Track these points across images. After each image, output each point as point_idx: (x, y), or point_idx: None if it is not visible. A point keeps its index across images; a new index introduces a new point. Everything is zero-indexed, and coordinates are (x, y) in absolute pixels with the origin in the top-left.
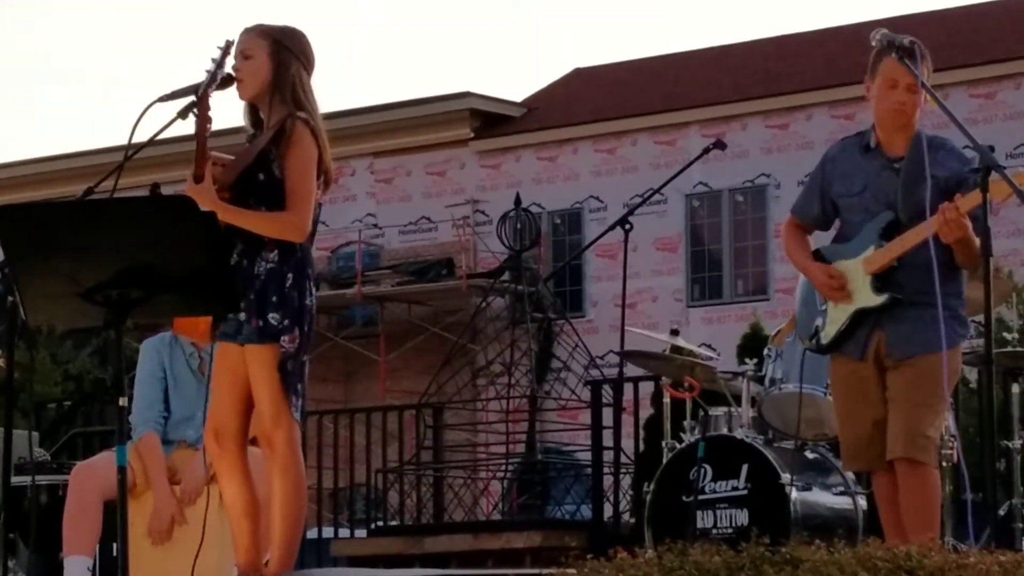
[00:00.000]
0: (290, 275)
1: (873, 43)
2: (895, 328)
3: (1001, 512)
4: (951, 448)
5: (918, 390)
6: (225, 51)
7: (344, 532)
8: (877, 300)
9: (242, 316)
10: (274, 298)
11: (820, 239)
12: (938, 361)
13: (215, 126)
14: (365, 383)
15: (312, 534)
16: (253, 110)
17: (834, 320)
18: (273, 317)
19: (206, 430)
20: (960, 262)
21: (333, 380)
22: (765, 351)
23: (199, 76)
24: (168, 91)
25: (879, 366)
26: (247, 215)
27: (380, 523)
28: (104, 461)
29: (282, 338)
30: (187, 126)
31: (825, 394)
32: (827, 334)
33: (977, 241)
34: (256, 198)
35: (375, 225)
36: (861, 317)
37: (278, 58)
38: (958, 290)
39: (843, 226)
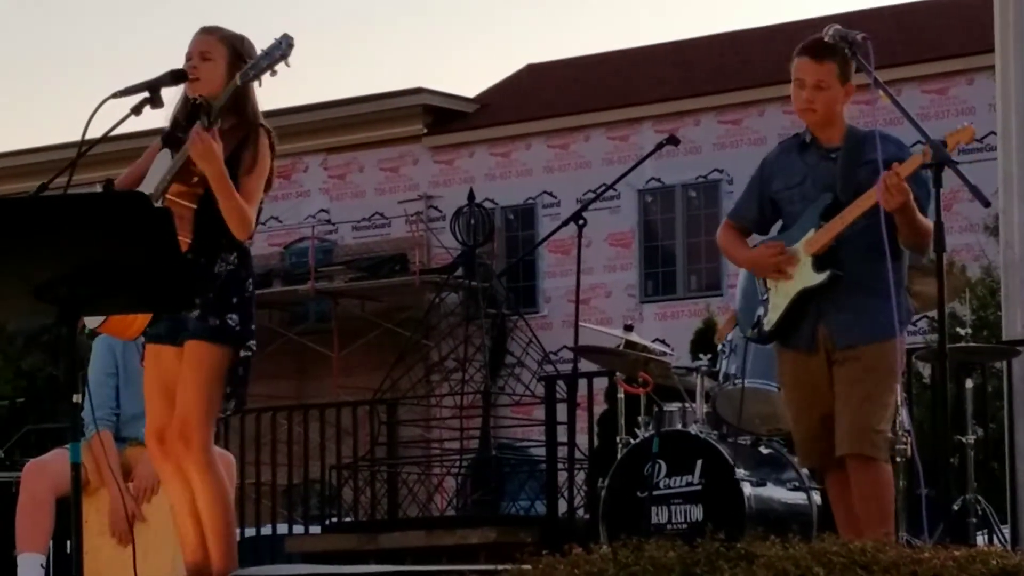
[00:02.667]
0: (248, 281)
1: (826, 39)
2: (837, 317)
3: (955, 507)
4: (905, 443)
5: (863, 383)
6: (285, 49)
7: (298, 528)
8: (818, 278)
9: (195, 313)
10: (235, 299)
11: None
12: (883, 351)
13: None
14: (318, 379)
15: (266, 530)
16: (189, 110)
17: (776, 306)
18: (232, 318)
19: (147, 434)
20: (904, 239)
21: (286, 376)
22: (719, 346)
23: (153, 72)
24: (122, 87)
25: (828, 360)
26: (231, 191)
27: (334, 519)
28: (56, 458)
29: (248, 342)
30: (141, 122)
31: (779, 389)
32: (769, 320)
33: (923, 220)
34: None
35: (328, 221)
36: (804, 302)
37: (235, 67)
38: (898, 278)
39: (784, 220)
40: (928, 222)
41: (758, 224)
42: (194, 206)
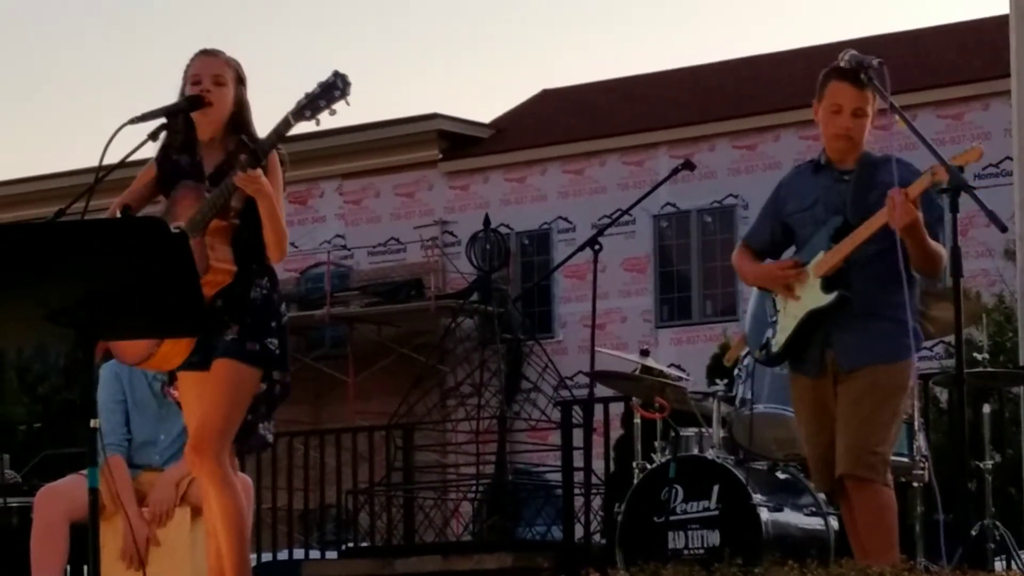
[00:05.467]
0: (282, 304)
1: (842, 64)
2: (842, 339)
3: (973, 532)
4: (923, 468)
5: (862, 405)
6: (343, 87)
7: (315, 554)
8: (826, 299)
9: (230, 337)
10: (273, 324)
11: None
12: (887, 373)
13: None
14: (334, 404)
15: (283, 555)
16: (188, 133)
17: (784, 328)
18: (272, 343)
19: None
20: (914, 263)
21: (302, 401)
22: (736, 371)
23: (169, 99)
24: (139, 113)
25: (835, 383)
26: (280, 217)
27: (351, 544)
28: (70, 483)
29: (288, 368)
30: (157, 148)
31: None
32: (777, 342)
33: (933, 244)
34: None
35: (344, 246)
36: (811, 325)
37: (239, 93)
38: (907, 301)
39: (796, 243)
40: (938, 247)
41: (771, 248)
42: (230, 237)
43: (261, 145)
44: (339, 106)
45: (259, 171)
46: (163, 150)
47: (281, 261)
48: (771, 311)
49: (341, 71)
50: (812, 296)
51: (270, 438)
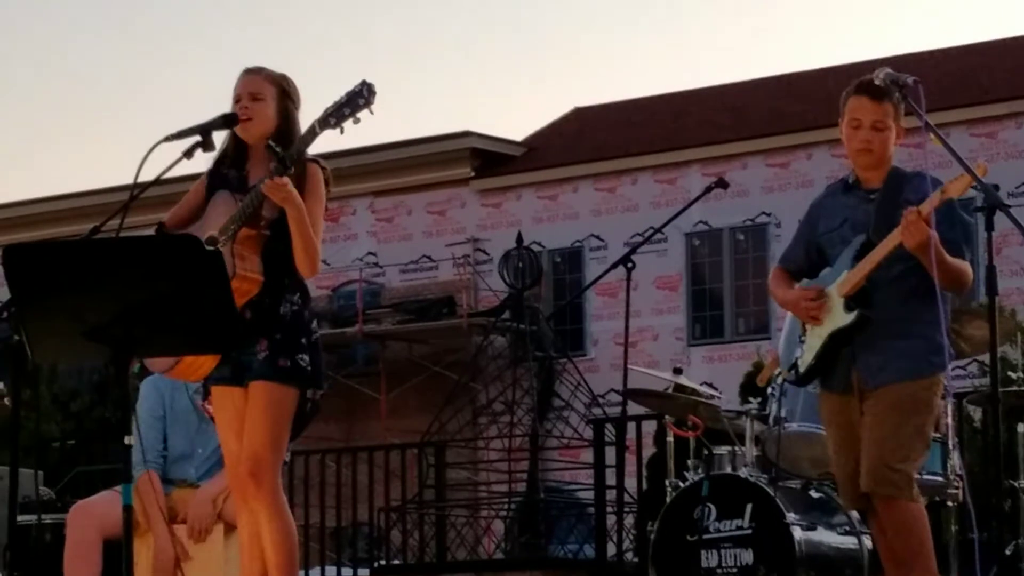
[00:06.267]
0: (314, 321)
1: (877, 82)
2: (868, 359)
3: (1007, 551)
4: (957, 487)
5: (885, 422)
6: (368, 96)
7: (347, 571)
8: (847, 319)
9: (262, 354)
10: (303, 340)
11: None
12: (911, 389)
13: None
14: (366, 421)
15: (315, 573)
16: (237, 148)
17: (811, 347)
18: (303, 359)
19: (233, 479)
20: (938, 281)
21: (334, 419)
22: (769, 390)
23: (205, 116)
24: (174, 131)
25: (862, 401)
26: (310, 230)
27: (383, 562)
28: (103, 500)
29: (325, 385)
30: (192, 165)
31: None
32: (804, 361)
33: (951, 262)
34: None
35: (376, 264)
36: (836, 344)
37: (284, 106)
38: (936, 319)
39: (828, 263)
40: (959, 264)
41: (804, 268)
42: (261, 248)
43: (289, 153)
44: (373, 122)
45: (286, 179)
46: (216, 164)
47: (312, 277)
48: (800, 331)
49: (369, 81)
50: (835, 316)
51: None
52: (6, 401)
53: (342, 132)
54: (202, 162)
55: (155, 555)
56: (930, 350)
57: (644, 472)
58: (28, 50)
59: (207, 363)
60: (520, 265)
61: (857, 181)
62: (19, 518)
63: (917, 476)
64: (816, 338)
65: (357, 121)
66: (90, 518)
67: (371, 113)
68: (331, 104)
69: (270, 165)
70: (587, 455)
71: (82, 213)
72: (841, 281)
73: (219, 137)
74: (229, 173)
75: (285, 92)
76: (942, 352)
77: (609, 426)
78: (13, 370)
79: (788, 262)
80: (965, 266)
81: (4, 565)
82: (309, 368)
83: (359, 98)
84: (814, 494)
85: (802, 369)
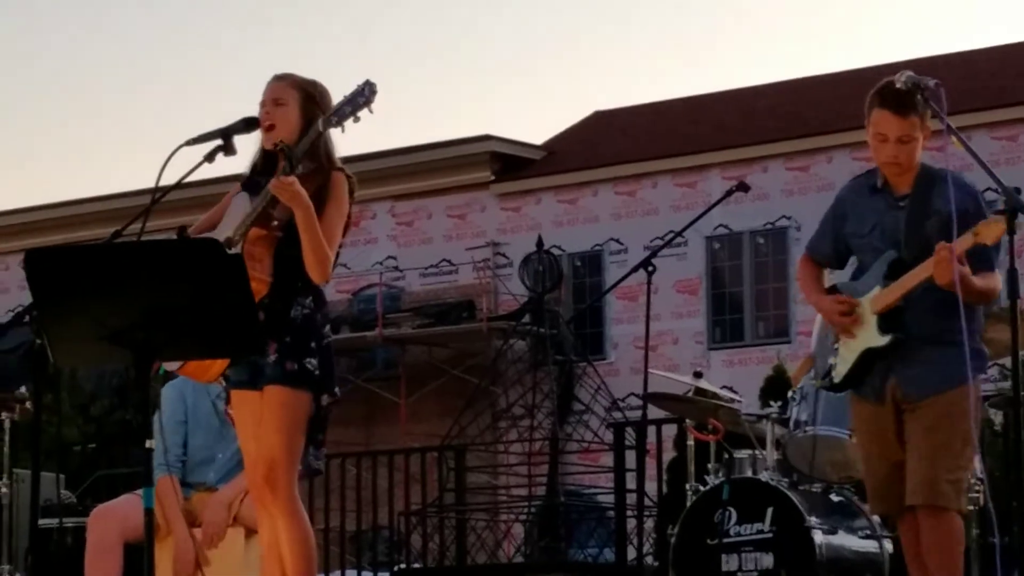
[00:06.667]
0: (326, 326)
1: (898, 85)
2: (906, 371)
3: None
4: (978, 491)
5: (935, 435)
6: (368, 95)
7: (367, 575)
8: (882, 341)
9: (271, 358)
10: (312, 344)
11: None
12: (955, 398)
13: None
14: (386, 425)
15: None
16: (267, 156)
17: (845, 359)
18: (311, 363)
19: (252, 483)
20: (969, 301)
21: (354, 423)
22: (790, 394)
23: (227, 119)
24: (195, 135)
25: (897, 409)
26: (318, 233)
27: (403, 566)
28: (124, 503)
29: (333, 388)
30: (214, 169)
31: (850, 436)
32: (839, 373)
33: (978, 282)
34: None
35: (396, 268)
36: (870, 358)
37: (308, 112)
38: (972, 326)
39: (858, 264)
40: (989, 282)
41: (833, 260)
42: (272, 249)
43: (295, 151)
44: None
45: (293, 178)
46: (250, 171)
47: (322, 282)
48: (833, 338)
49: (372, 81)
50: (869, 334)
51: (318, 465)
52: (28, 405)
53: (343, 131)
54: (224, 166)
55: (176, 557)
56: (967, 356)
57: (664, 476)
58: (51, 53)
59: (217, 363)
60: (540, 269)
61: (886, 184)
62: (40, 522)
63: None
64: (850, 352)
65: (357, 119)
66: (111, 522)
67: (370, 112)
68: (335, 104)
69: (280, 164)
70: (607, 459)
71: (104, 217)
72: (873, 298)
73: (240, 141)
74: (261, 180)
75: (310, 97)
76: (978, 356)
77: (629, 430)
78: (35, 374)
79: (815, 253)
80: (994, 281)
81: (26, 568)
82: (318, 372)
83: (359, 96)
84: (835, 498)
85: (836, 380)
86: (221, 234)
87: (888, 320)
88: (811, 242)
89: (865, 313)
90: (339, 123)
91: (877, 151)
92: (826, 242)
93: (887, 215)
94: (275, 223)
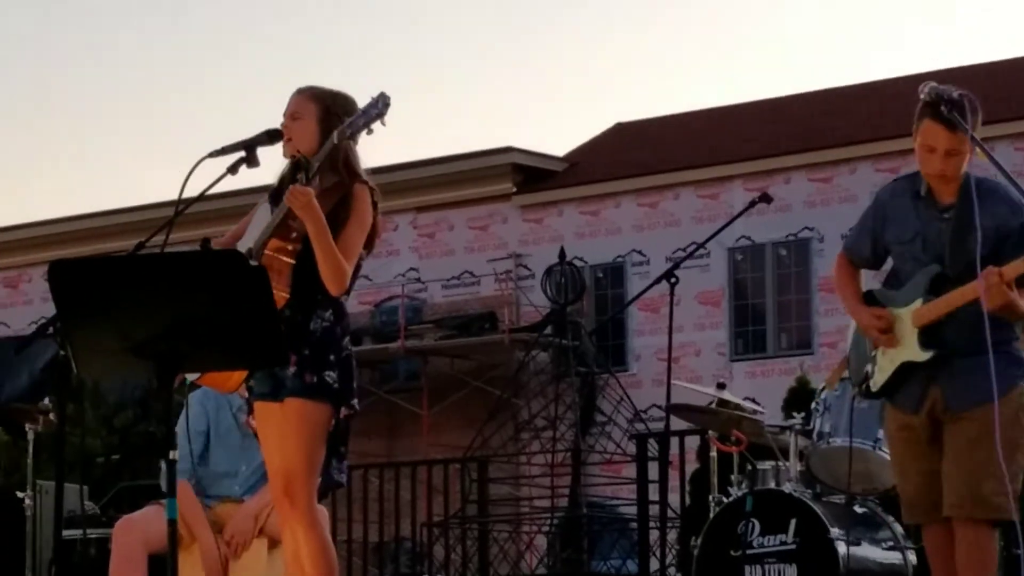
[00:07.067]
0: (345, 338)
1: (922, 96)
2: (950, 383)
3: None
4: None
5: (982, 445)
6: (381, 108)
7: None
8: (923, 356)
9: (291, 370)
10: (332, 357)
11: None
12: (1001, 408)
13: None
14: (408, 437)
15: None
16: (295, 164)
17: (883, 369)
18: (330, 375)
19: (274, 495)
20: (1011, 321)
21: (376, 434)
22: (813, 405)
23: (251, 131)
24: (218, 147)
25: (933, 419)
26: (331, 245)
27: None
28: (147, 514)
29: (351, 401)
30: (237, 181)
31: (875, 448)
32: (876, 382)
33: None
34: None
35: (418, 279)
36: (909, 370)
37: (327, 124)
38: (1011, 335)
39: (895, 270)
40: None
41: (871, 263)
42: (292, 261)
43: (309, 162)
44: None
45: (308, 189)
46: (278, 184)
47: (339, 295)
48: (870, 346)
49: (387, 93)
50: (910, 347)
51: (341, 478)
52: (51, 416)
53: (356, 142)
54: (247, 178)
55: (203, 557)
56: (1010, 363)
57: (687, 487)
58: (74, 63)
59: (237, 374)
60: (562, 280)
61: (930, 193)
62: (64, 533)
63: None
64: (888, 362)
65: (371, 132)
66: (135, 532)
67: (383, 125)
68: (347, 114)
69: (297, 175)
70: (629, 470)
71: (127, 229)
72: (916, 311)
73: (264, 153)
74: (285, 192)
75: (330, 110)
76: (1019, 364)
77: (652, 441)
78: (60, 385)
79: (853, 254)
80: None
81: None
82: (336, 385)
83: (373, 109)
84: (858, 509)
85: (873, 389)
86: (243, 246)
87: (929, 335)
88: (849, 242)
89: (905, 326)
90: (352, 135)
91: (924, 162)
92: (865, 244)
93: (931, 226)
94: (294, 235)
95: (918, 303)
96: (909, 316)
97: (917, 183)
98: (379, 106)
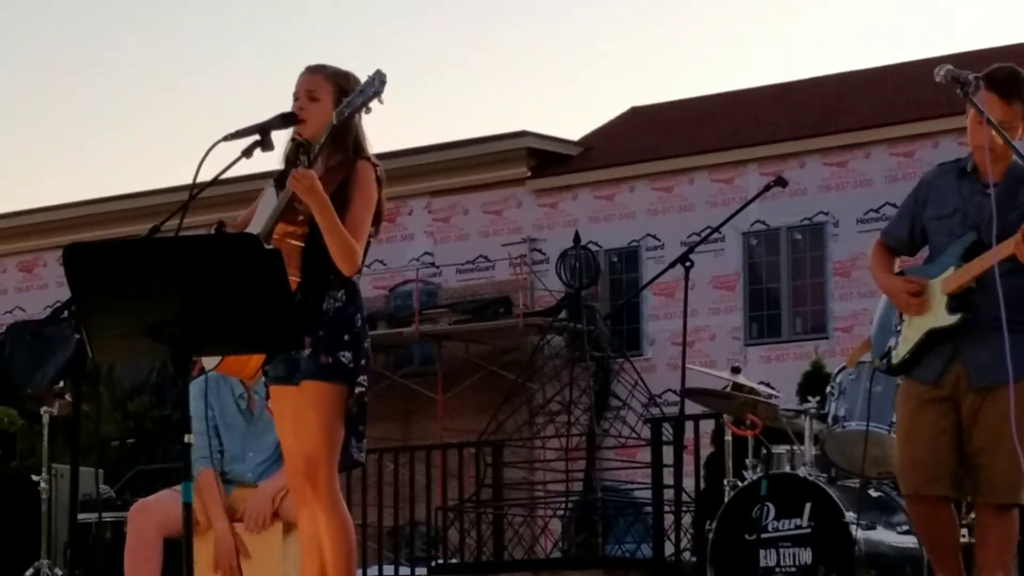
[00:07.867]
0: (358, 316)
1: (938, 79)
2: (974, 355)
3: None
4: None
5: (1006, 429)
6: (378, 86)
7: (404, 570)
8: (950, 320)
9: (305, 352)
10: (346, 337)
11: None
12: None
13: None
14: (423, 421)
15: (372, 572)
16: (297, 146)
17: (907, 339)
18: (344, 356)
19: (291, 478)
20: None
21: (391, 419)
22: (828, 389)
23: (263, 115)
24: (232, 130)
25: (953, 397)
26: (337, 225)
27: (440, 561)
28: (163, 498)
29: (360, 378)
30: (251, 165)
31: (890, 432)
32: (898, 354)
33: None
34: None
35: (432, 264)
36: (934, 339)
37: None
38: None
39: (930, 250)
40: None
41: (907, 246)
42: (301, 244)
43: (311, 144)
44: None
45: (310, 172)
46: (285, 162)
47: (352, 274)
48: (896, 320)
49: (382, 70)
50: (937, 314)
51: (360, 457)
52: (67, 398)
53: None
54: (261, 162)
55: (216, 545)
56: None
57: (702, 471)
58: (89, 49)
59: (255, 359)
60: (577, 265)
61: (975, 170)
62: (80, 516)
63: None
64: (914, 331)
65: (368, 111)
66: (150, 516)
67: (380, 102)
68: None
69: (300, 157)
70: (644, 454)
71: (142, 213)
72: (946, 278)
73: (278, 136)
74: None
75: (343, 90)
76: None
77: (667, 425)
78: (76, 370)
79: (890, 237)
80: None
81: (66, 562)
82: (351, 365)
83: (370, 88)
84: (873, 493)
85: (895, 360)
86: (252, 231)
87: (958, 300)
88: (887, 227)
89: (935, 294)
90: (351, 115)
91: (974, 134)
92: (903, 226)
93: (972, 201)
94: (300, 218)
95: (950, 271)
96: (939, 284)
97: (963, 162)
98: (376, 84)
